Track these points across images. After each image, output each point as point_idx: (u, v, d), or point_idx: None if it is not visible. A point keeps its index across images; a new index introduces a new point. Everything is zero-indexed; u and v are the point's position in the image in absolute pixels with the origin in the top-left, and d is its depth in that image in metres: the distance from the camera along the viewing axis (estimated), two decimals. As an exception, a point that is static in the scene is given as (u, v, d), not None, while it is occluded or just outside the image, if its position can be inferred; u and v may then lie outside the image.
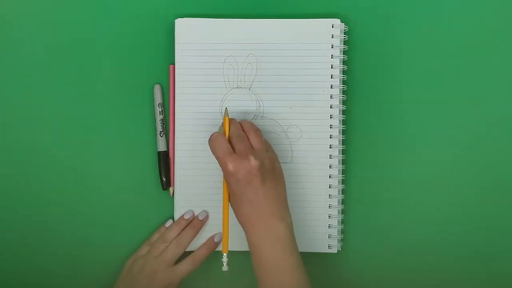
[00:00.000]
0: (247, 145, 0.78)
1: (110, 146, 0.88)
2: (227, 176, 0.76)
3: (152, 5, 0.88)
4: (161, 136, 0.88)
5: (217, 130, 0.81)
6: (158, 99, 0.88)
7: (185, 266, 0.84)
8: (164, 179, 0.88)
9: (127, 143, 0.88)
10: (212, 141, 0.78)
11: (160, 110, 0.88)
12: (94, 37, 0.88)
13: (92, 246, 0.89)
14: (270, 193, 0.76)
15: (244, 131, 0.80)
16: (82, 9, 0.89)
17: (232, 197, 0.78)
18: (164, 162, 0.88)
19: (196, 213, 0.87)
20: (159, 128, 0.87)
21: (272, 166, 0.78)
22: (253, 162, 0.75)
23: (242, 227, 0.77)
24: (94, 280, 0.88)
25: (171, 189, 0.88)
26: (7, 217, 0.88)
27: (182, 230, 0.86)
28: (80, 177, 0.88)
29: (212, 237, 0.86)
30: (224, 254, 0.80)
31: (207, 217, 0.87)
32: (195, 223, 0.86)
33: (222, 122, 0.80)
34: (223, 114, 0.83)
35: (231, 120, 0.80)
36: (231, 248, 0.85)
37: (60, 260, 0.89)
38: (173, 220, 0.87)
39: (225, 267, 0.80)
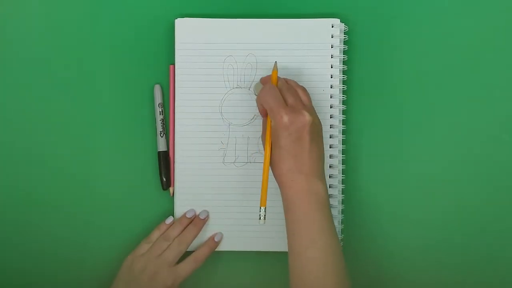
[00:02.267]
0: (299, 100, 0.77)
1: (110, 146, 0.88)
2: (280, 128, 0.75)
3: (152, 5, 0.89)
4: (161, 136, 0.88)
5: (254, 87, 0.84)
6: (158, 99, 0.88)
7: (187, 265, 0.84)
8: (164, 179, 0.87)
9: (127, 143, 0.88)
10: (264, 92, 0.77)
11: (160, 110, 0.88)
12: (94, 37, 0.88)
13: (92, 246, 0.88)
14: (315, 152, 0.75)
15: None
16: (82, 9, 0.89)
17: (278, 150, 0.75)
18: (164, 162, 0.88)
19: (197, 213, 0.86)
20: (159, 128, 0.87)
21: (320, 125, 0.78)
22: (308, 117, 0.74)
23: (279, 183, 0.76)
24: (93, 280, 0.88)
25: (171, 189, 0.88)
26: (6, 217, 0.88)
27: (184, 228, 0.86)
28: (80, 177, 0.88)
29: (212, 237, 0.86)
30: (262, 208, 0.78)
31: (207, 216, 0.86)
32: (197, 221, 0.86)
33: (262, 78, 0.81)
34: (272, 67, 0.81)
35: (278, 77, 0.80)
36: (230, 249, 0.85)
37: (59, 260, 0.88)
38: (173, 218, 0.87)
39: (261, 221, 0.78)
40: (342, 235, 0.87)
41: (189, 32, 0.86)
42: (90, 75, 0.88)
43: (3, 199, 0.88)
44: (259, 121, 0.86)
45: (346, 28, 0.87)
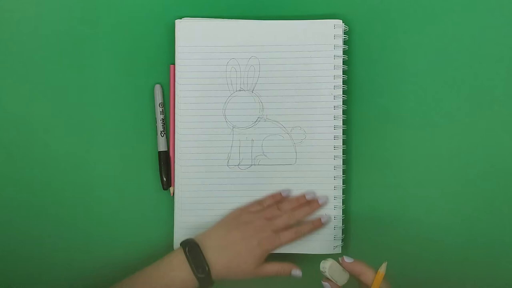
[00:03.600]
0: None
1: (111, 146, 0.88)
2: None
3: (152, 5, 0.88)
4: (162, 136, 0.87)
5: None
6: (158, 99, 0.87)
7: (289, 234, 0.83)
8: (164, 179, 0.87)
9: (127, 143, 0.88)
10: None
11: (161, 110, 0.87)
12: (94, 37, 0.88)
13: (92, 246, 0.88)
14: None
15: None
16: (82, 9, 0.88)
17: None
18: (165, 162, 0.87)
19: (317, 196, 0.86)
20: (160, 128, 0.87)
21: None
22: None
23: None
24: (93, 279, 0.88)
25: (171, 189, 0.88)
26: (7, 218, 0.88)
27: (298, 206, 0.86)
28: (80, 176, 0.88)
29: (319, 217, 0.86)
30: None
31: (326, 202, 0.86)
32: (314, 204, 0.86)
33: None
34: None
35: None
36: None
37: (59, 260, 0.88)
38: (173, 220, 0.87)
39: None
40: (343, 236, 0.87)
41: (190, 33, 0.86)
42: (90, 75, 0.88)
43: (3, 199, 0.88)
44: (263, 123, 0.86)
45: (346, 28, 0.87)
